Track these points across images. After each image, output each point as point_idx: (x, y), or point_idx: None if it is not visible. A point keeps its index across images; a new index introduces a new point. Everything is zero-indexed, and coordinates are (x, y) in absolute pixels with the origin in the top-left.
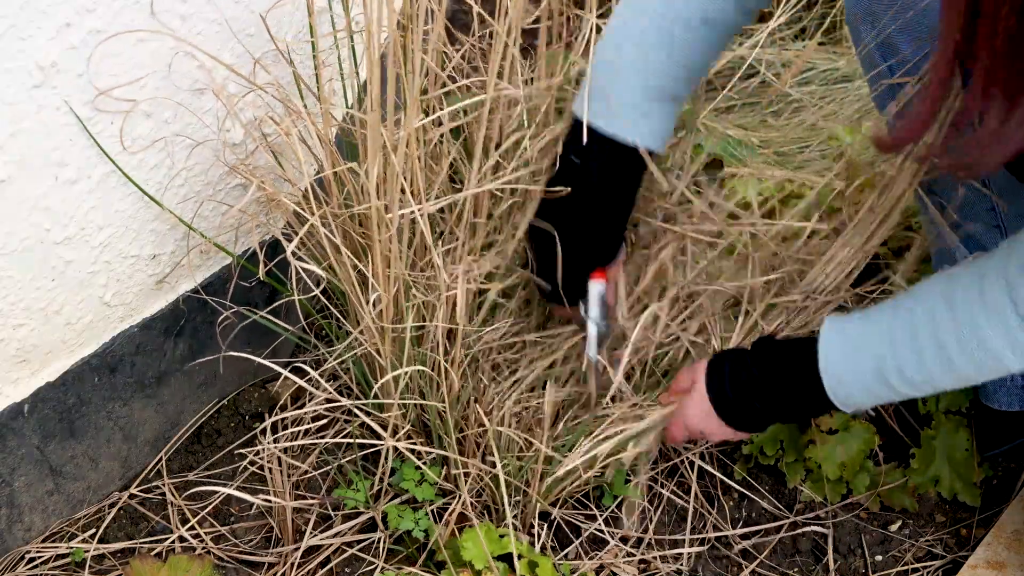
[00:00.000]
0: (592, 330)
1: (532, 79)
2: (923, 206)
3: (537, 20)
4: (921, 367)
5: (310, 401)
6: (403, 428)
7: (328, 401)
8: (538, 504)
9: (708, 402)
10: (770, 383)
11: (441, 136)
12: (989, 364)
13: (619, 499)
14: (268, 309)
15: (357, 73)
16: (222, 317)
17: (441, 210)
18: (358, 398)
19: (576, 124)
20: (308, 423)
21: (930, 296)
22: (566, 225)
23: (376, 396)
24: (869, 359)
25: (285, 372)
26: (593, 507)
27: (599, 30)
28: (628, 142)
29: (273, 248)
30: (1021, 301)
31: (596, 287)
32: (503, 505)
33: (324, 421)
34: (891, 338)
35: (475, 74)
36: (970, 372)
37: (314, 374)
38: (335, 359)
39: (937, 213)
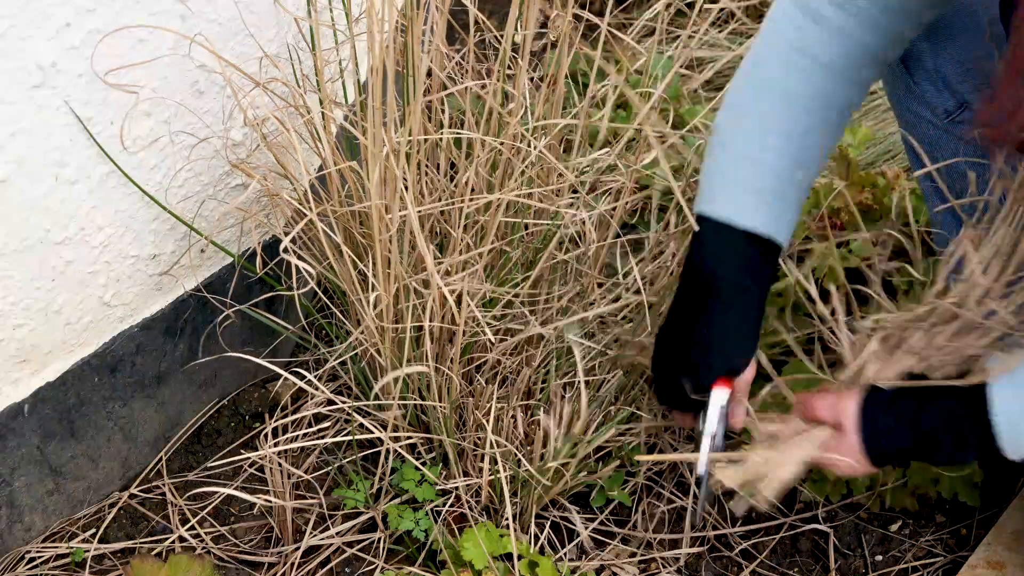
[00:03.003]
0: (706, 444)
1: (533, 78)
2: None
3: (544, 24)
4: None
5: (310, 401)
6: (403, 428)
7: (329, 402)
8: (537, 504)
9: (860, 451)
10: (931, 433)
11: (440, 138)
12: None
13: (612, 501)
14: (268, 309)
15: (358, 71)
16: (222, 316)
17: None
18: (358, 398)
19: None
20: (308, 423)
21: None
22: (690, 323)
23: (376, 396)
24: None
25: (285, 373)
26: (594, 508)
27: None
28: (740, 225)
29: (273, 248)
30: None
31: (718, 395)
32: (503, 505)
33: (326, 424)
34: None
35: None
36: None
37: (311, 377)
38: (335, 359)
39: None
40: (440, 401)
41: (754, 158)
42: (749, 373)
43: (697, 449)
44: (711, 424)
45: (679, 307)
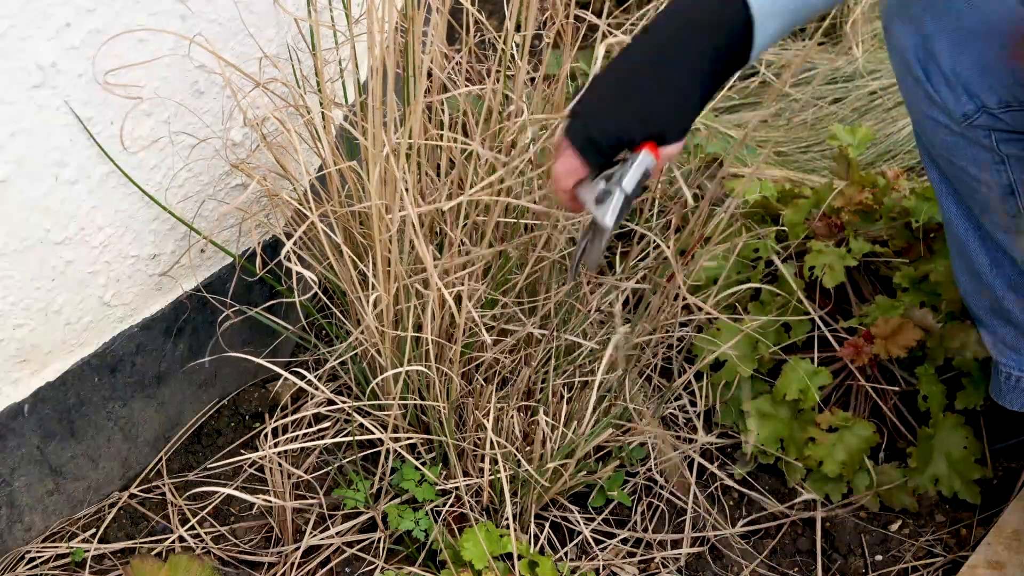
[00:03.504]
0: (619, 198)
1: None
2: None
3: (545, 23)
4: None
5: (310, 401)
6: (403, 428)
7: (329, 402)
8: (537, 504)
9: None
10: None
11: (441, 137)
12: None
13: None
14: (268, 309)
15: (358, 71)
16: (222, 316)
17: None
18: (358, 398)
19: None
20: (308, 423)
21: None
22: (639, 73)
23: (375, 395)
24: None
25: (285, 373)
26: (592, 509)
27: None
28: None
29: (273, 248)
30: None
31: (646, 158)
32: (503, 505)
33: (326, 424)
34: None
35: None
36: None
37: (311, 376)
38: (335, 359)
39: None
40: (440, 401)
41: None
42: (675, 148)
43: (601, 204)
44: (631, 182)
45: (632, 56)
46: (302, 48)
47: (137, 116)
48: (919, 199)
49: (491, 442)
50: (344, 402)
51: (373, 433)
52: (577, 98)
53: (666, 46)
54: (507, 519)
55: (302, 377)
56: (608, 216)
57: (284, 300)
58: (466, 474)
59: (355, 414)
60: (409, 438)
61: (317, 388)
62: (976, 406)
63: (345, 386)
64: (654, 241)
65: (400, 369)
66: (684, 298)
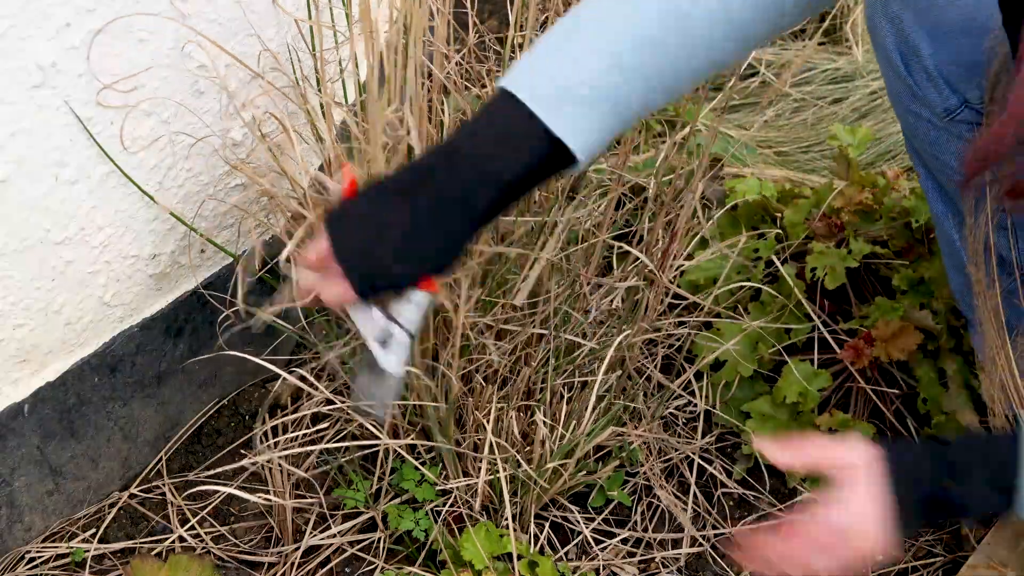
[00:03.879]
0: (406, 343)
1: None
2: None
3: (545, 23)
4: None
5: (308, 401)
6: (403, 428)
7: (328, 401)
8: (536, 504)
9: (888, 511)
10: (968, 499)
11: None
12: None
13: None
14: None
15: (358, 71)
16: (222, 316)
17: None
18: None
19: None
20: (308, 423)
21: None
22: (416, 207)
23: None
24: None
25: (284, 373)
26: (592, 509)
27: None
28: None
29: (273, 248)
30: None
31: (425, 298)
32: (503, 505)
33: (325, 424)
34: None
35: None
36: None
37: (311, 378)
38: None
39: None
40: (439, 401)
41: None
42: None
43: (386, 348)
44: (415, 325)
45: (419, 202)
46: (302, 48)
47: (137, 116)
48: (919, 199)
49: (491, 443)
50: (343, 402)
51: (373, 434)
52: (345, 215)
53: (449, 200)
54: (507, 519)
55: (303, 379)
56: (398, 366)
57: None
58: (466, 474)
59: (355, 414)
60: (410, 440)
61: (316, 388)
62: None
63: (345, 385)
64: (653, 242)
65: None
66: (669, 298)
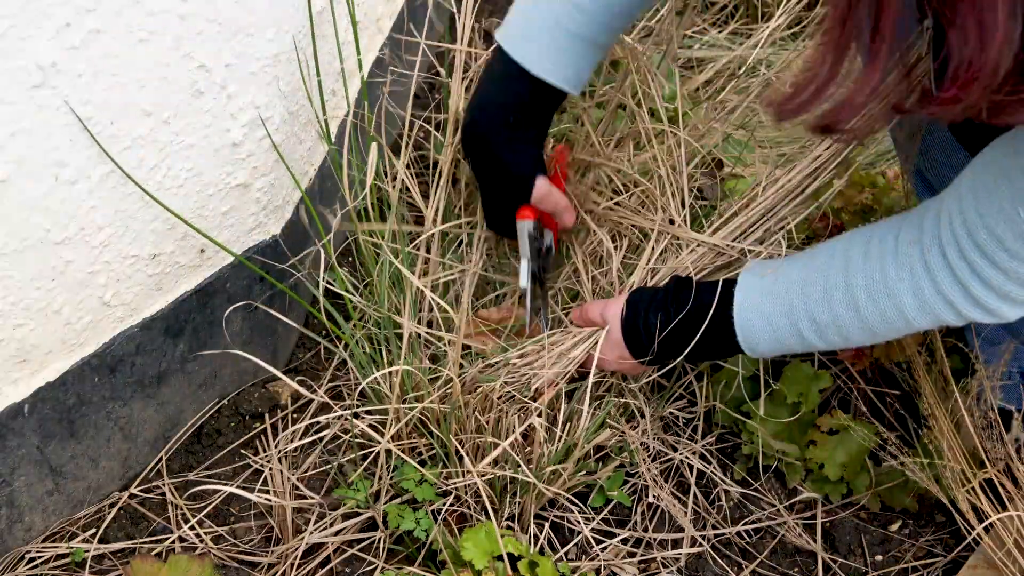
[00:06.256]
0: (523, 265)
1: None
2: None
3: None
4: (829, 308)
5: (308, 402)
6: (403, 428)
7: (325, 407)
8: (536, 504)
9: (622, 344)
10: (685, 326)
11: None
12: (892, 312)
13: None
14: (268, 307)
15: (360, 70)
16: (223, 316)
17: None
18: (363, 394)
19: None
20: (307, 423)
21: (849, 243)
22: (477, 166)
23: (376, 396)
24: (782, 304)
25: (281, 375)
26: (590, 509)
27: None
28: (535, 73)
29: (273, 247)
30: (928, 248)
31: (523, 226)
32: (503, 506)
33: (325, 423)
34: (805, 280)
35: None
36: (875, 320)
37: (310, 381)
38: (335, 358)
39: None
40: (439, 402)
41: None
42: (542, 190)
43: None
44: (524, 249)
45: (471, 146)
46: (302, 48)
47: (137, 116)
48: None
49: (491, 443)
50: (342, 404)
51: (372, 435)
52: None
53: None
54: (507, 519)
55: (303, 383)
56: (523, 279)
57: (285, 295)
58: (466, 474)
59: (354, 414)
60: (411, 441)
61: (316, 388)
62: None
63: (345, 384)
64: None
65: (397, 368)
66: None
